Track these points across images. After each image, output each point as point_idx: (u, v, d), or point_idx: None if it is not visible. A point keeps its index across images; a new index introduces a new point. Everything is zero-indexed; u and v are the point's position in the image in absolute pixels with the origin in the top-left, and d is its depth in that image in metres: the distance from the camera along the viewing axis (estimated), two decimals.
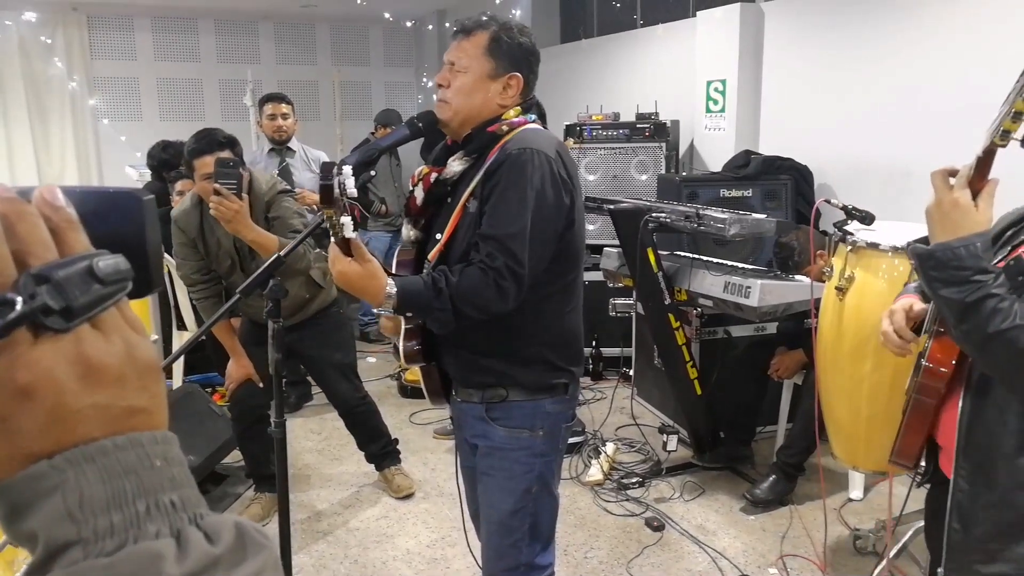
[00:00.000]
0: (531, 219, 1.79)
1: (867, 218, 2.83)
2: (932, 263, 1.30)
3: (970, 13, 3.97)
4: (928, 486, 1.70)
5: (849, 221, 2.86)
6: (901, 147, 4.37)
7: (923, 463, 1.67)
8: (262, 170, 4.50)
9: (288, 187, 3.32)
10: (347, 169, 1.62)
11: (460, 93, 1.89)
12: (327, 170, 1.58)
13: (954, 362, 1.49)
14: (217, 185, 2.76)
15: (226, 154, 2.93)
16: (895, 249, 2.61)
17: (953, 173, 1.32)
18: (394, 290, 1.74)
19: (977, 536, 1.44)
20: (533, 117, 1.95)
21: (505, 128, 1.88)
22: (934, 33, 4.17)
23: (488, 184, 1.82)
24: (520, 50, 1.91)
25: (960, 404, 1.48)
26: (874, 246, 2.65)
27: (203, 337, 2.34)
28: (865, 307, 2.59)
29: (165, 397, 0.48)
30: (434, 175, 1.94)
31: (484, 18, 1.92)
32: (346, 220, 1.63)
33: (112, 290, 0.44)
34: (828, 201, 2.88)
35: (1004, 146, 1.19)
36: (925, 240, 1.39)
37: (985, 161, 1.24)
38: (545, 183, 1.81)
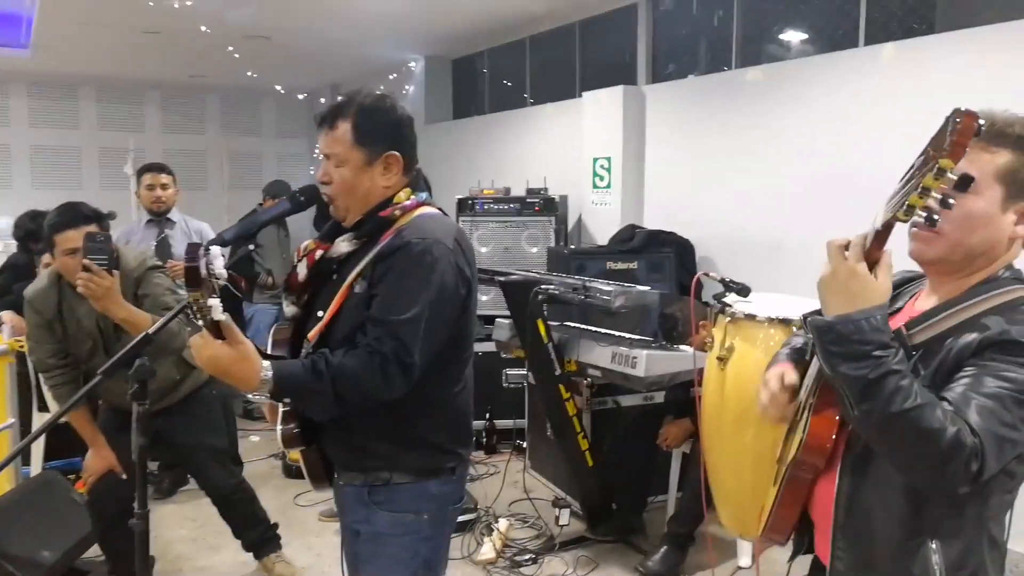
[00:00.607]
0: (428, 312, 1.73)
1: (743, 290, 2.93)
2: (832, 336, 1.23)
3: (830, 101, 4.28)
4: (801, 556, 1.65)
5: (727, 293, 2.95)
6: (772, 221, 4.62)
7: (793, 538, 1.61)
8: (139, 241, 4.33)
9: (159, 263, 3.16)
10: (215, 250, 1.54)
11: (345, 191, 1.83)
12: (192, 251, 1.50)
13: (833, 437, 1.43)
14: (86, 261, 2.61)
15: (93, 228, 2.78)
16: (771, 320, 2.70)
17: (846, 246, 1.27)
18: (270, 374, 1.64)
19: None
20: (424, 196, 1.90)
21: (397, 213, 1.83)
22: (800, 119, 4.47)
23: (381, 267, 1.76)
24: (387, 126, 1.84)
25: (836, 483, 1.42)
26: (751, 317, 2.74)
27: (60, 421, 2.15)
28: (745, 376, 2.65)
29: None
30: (320, 252, 1.88)
31: (340, 101, 1.85)
32: (214, 302, 1.55)
33: None
34: (707, 274, 2.97)
35: (906, 221, 1.17)
36: (818, 312, 1.34)
37: (883, 234, 1.21)
38: (445, 276, 1.77)
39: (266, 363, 1.65)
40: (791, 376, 1.57)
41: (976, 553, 1.33)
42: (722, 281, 2.93)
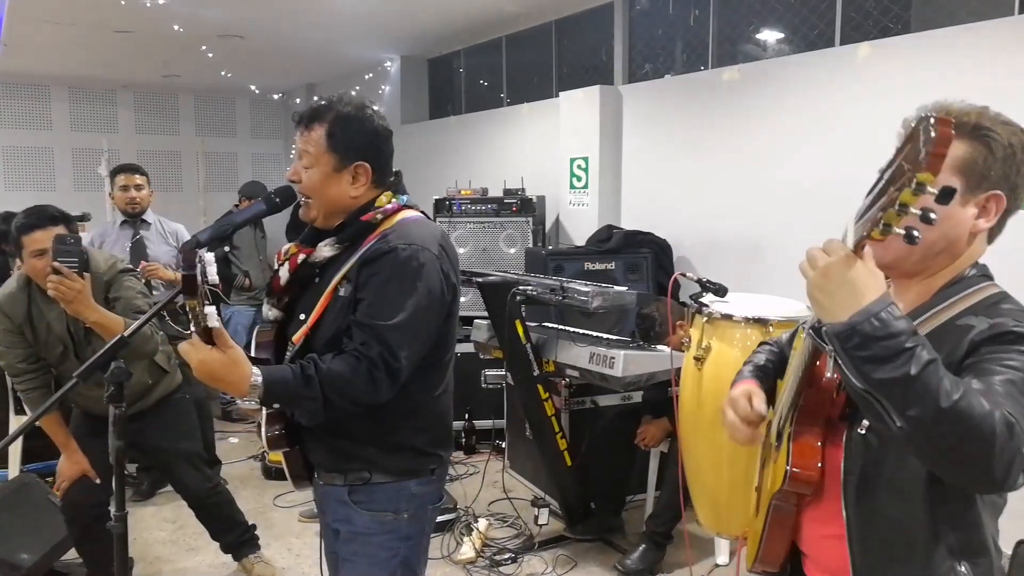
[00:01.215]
0: (414, 317, 1.74)
1: (720, 290, 2.96)
2: (857, 341, 1.07)
3: (806, 101, 4.33)
4: None
5: (704, 293, 2.98)
6: (750, 221, 4.66)
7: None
8: (113, 243, 4.29)
9: (130, 266, 3.13)
10: (209, 256, 1.54)
11: (313, 193, 1.83)
12: (190, 259, 1.50)
13: (819, 465, 1.34)
14: (56, 263, 2.57)
15: (62, 230, 2.74)
16: (748, 320, 2.74)
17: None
18: (260, 379, 1.63)
19: None
20: (405, 199, 1.90)
21: (379, 216, 1.84)
22: (776, 118, 4.52)
23: (366, 271, 1.76)
24: (361, 137, 1.83)
25: (845, 519, 1.32)
26: (728, 317, 2.77)
27: (34, 425, 2.13)
28: (722, 376, 2.68)
29: None
30: (302, 256, 1.88)
31: (321, 104, 1.84)
32: (210, 310, 1.55)
33: None
34: (684, 274, 3.00)
35: (882, 240, 1.05)
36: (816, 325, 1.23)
37: (856, 253, 1.11)
38: (431, 282, 1.78)
39: (256, 369, 1.64)
40: (759, 401, 1.47)
41: (996, 565, 1.29)
42: (699, 281, 2.96)
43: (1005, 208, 1.26)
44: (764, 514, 1.48)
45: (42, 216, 2.75)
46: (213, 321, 1.56)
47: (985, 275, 1.32)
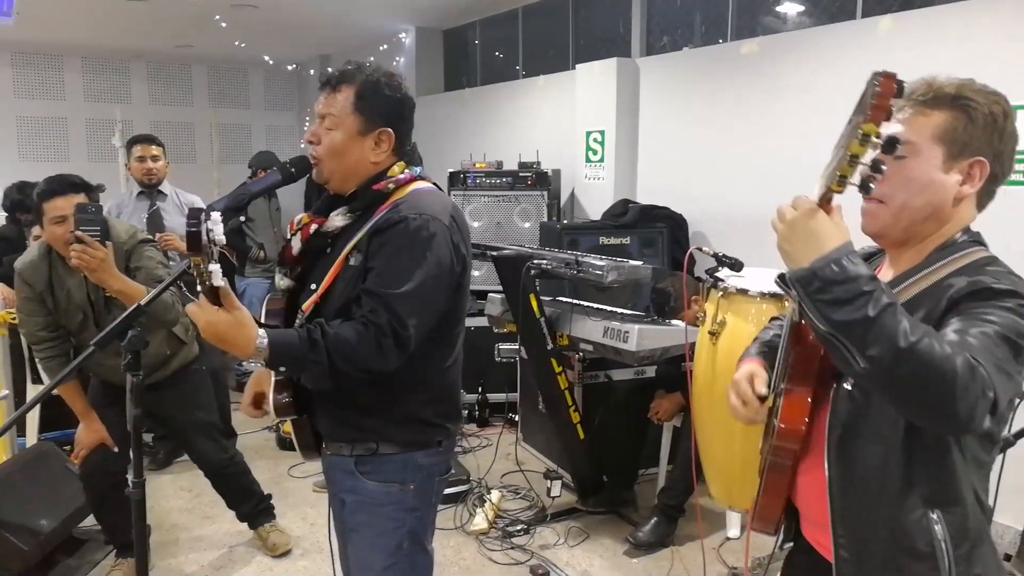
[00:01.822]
0: (423, 286, 1.74)
1: (736, 265, 2.94)
2: (818, 285, 1.15)
3: (826, 74, 4.27)
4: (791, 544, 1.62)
5: (720, 268, 2.96)
6: (766, 197, 4.59)
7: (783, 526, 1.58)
8: (130, 214, 4.30)
9: (149, 236, 3.14)
10: (215, 215, 1.53)
11: (332, 154, 1.83)
12: (195, 216, 1.50)
13: (807, 420, 1.39)
14: (79, 232, 2.58)
15: (82, 199, 2.75)
16: (763, 295, 2.72)
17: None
18: (265, 342, 1.63)
19: None
20: (419, 170, 1.90)
21: (391, 186, 1.83)
22: (795, 92, 4.46)
23: (376, 240, 1.76)
24: (389, 104, 1.84)
25: (826, 470, 1.38)
26: (743, 292, 2.76)
27: (51, 394, 2.15)
28: (737, 351, 2.63)
29: None
30: (314, 226, 1.88)
31: (349, 68, 1.85)
32: (215, 268, 1.55)
33: None
34: (700, 249, 2.98)
35: (841, 191, 1.14)
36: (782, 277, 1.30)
37: (822, 207, 1.19)
38: (441, 252, 1.77)
39: (262, 331, 1.64)
40: (760, 383, 1.52)
41: (975, 519, 1.32)
42: (715, 256, 2.95)
43: (990, 174, 1.32)
44: (762, 474, 1.52)
45: (63, 183, 2.77)
46: (218, 280, 1.56)
47: (977, 241, 1.36)
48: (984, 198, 1.36)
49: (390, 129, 1.84)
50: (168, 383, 3.18)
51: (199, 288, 1.59)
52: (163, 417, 3.29)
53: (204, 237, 1.49)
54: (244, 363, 5.84)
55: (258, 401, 2.05)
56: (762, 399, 1.50)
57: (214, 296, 1.59)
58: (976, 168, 1.31)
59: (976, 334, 1.17)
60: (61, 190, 2.75)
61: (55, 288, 2.92)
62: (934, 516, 1.30)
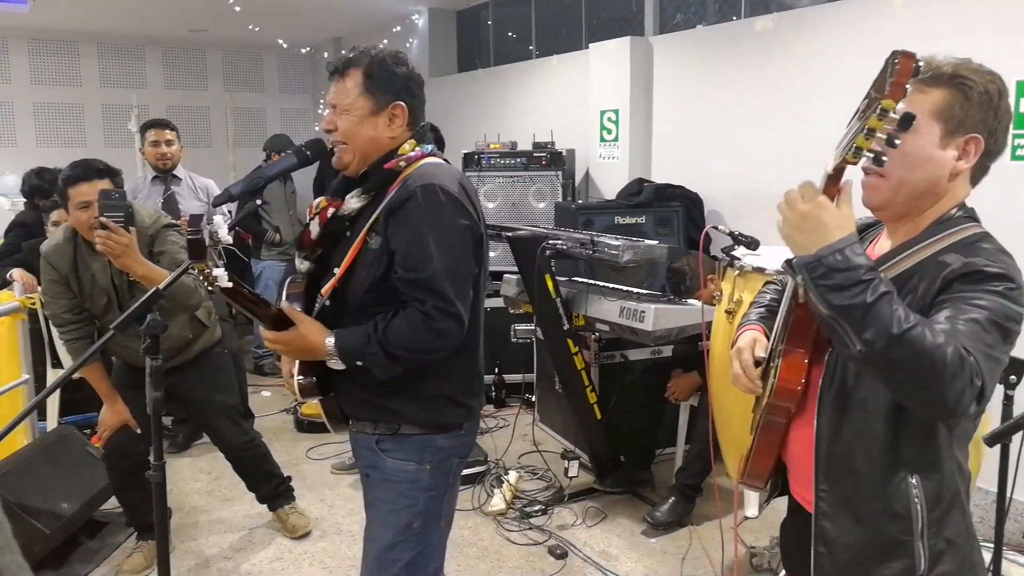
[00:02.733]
0: (451, 256, 1.78)
1: (752, 243, 2.92)
2: (822, 271, 1.21)
3: (842, 51, 4.21)
4: (779, 499, 1.69)
5: (736, 246, 2.95)
6: (782, 175, 4.55)
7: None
8: (145, 199, 4.32)
9: (173, 221, 3.16)
10: (218, 218, 1.56)
11: (351, 137, 1.85)
12: (195, 223, 1.52)
13: (803, 381, 1.45)
14: (103, 219, 2.60)
15: (107, 184, 2.77)
16: (780, 273, 2.70)
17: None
18: (332, 345, 1.79)
19: (844, 560, 1.43)
20: (430, 148, 1.92)
21: (403, 164, 1.85)
22: (810, 69, 4.40)
23: (392, 222, 1.78)
24: (397, 79, 1.86)
25: (816, 425, 1.44)
26: (760, 270, 2.74)
27: (74, 376, 2.17)
28: None
29: None
30: (331, 210, 1.90)
31: (353, 54, 1.87)
32: (219, 272, 1.57)
33: None
34: (716, 227, 2.96)
35: (855, 163, 1.19)
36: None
37: (835, 178, 1.24)
38: (455, 219, 1.80)
39: (328, 339, 1.79)
40: (761, 349, 1.60)
41: (951, 484, 1.37)
42: (731, 234, 2.93)
43: (985, 150, 1.37)
44: (755, 430, 1.57)
45: (88, 169, 2.79)
46: (224, 282, 1.58)
47: (971, 217, 1.41)
48: (978, 173, 1.41)
49: (402, 103, 1.87)
50: (190, 366, 3.21)
51: (211, 289, 1.62)
52: (184, 399, 3.32)
53: (208, 241, 1.51)
54: (261, 345, 5.87)
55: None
56: (758, 363, 1.57)
57: (276, 323, 1.74)
58: (971, 144, 1.36)
59: (966, 320, 1.23)
60: (86, 175, 2.77)
61: (80, 271, 2.96)
62: (913, 481, 1.37)
